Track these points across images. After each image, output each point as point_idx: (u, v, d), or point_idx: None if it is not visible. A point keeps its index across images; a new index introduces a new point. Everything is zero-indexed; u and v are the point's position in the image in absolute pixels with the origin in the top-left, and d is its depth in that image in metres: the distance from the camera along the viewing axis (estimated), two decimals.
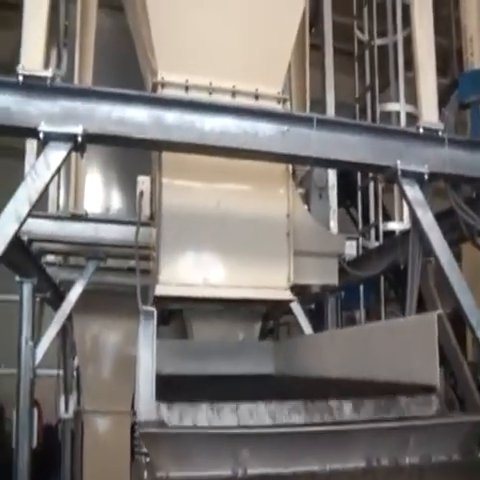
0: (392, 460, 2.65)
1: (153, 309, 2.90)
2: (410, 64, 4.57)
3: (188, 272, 4.32)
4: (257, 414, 2.61)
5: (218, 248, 4.39)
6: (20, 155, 5.79)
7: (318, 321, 6.22)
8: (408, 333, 3.18)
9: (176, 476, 2.43)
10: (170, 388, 3.17)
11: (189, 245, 4.36)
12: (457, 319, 4.02)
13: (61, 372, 7.40)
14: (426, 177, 3.81)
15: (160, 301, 4.35)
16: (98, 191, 7.03)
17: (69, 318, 6.07)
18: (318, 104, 6.96)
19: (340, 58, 7.91)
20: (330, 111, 6.90)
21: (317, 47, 7.28)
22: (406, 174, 3.78)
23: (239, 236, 4.41)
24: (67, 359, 7.32)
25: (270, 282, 4.41)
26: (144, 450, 2.47)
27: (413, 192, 3.82)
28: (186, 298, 4.39)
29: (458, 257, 4.81)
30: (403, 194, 3.89)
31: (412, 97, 4.94)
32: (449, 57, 7.50)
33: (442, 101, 4.31)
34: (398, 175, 3.75)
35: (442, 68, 4.57)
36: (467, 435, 2.80)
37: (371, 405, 2.72)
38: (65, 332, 6.91)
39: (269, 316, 6.09)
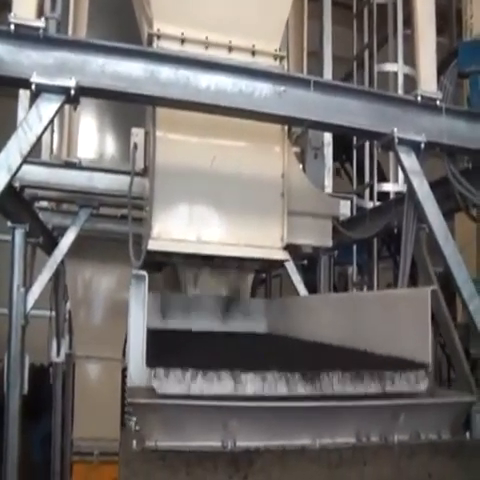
0: (382, 437, 2.68)
1: (144, 273, 2.90)
2: (409, 22, 4.49)
3: (181, 228, 4.30)
4: (247, 383, 2.60)
5: (212, 205, 4.36)
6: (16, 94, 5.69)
7: (310, 276, 6.22)
8: (401, 307, 3.18)
9: (165, 446, 2.45)
10: (162, 347, 3.18)
11: (182, 201, 4.33)
12: (448, 278, 4.03)
13: (53, 314, 7.42)
14: (422, 146, 3.77)
15: (152, 255, 4.34)
16: (92, 137, 6.95)
17: (62, 262, 6.06)
18: (315, 56, 6.87)
19: (339, 10, 7.79)
20: (327, 67, 6.79)
21: None
22: (403, 142, 3.74)
23: (233, 194, 4.39)
24: (59, 303, 7.30)
25: (264, 241, 4.40)
26: (133, 418, 2.49)
27: (409, 160, 3.80)
28: (178, 254, 4.38)
29: (451, 226, 4.78)
30: (399, 162, 3.85)
31: (410, 57, 4.86)
32: (448, 16, 7.37)
33: (440, 64, 4.23)
34: (394, 143, 3.71)
35: (440, 27, 4.47)
36: (457, 414, 2.83)
37: (362, 378, 2.72)
38: (58, 276, 6.90)
39: (261, 270, 6.10)
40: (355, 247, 7.23)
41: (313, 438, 2.55)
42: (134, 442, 2.44)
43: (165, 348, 3.23)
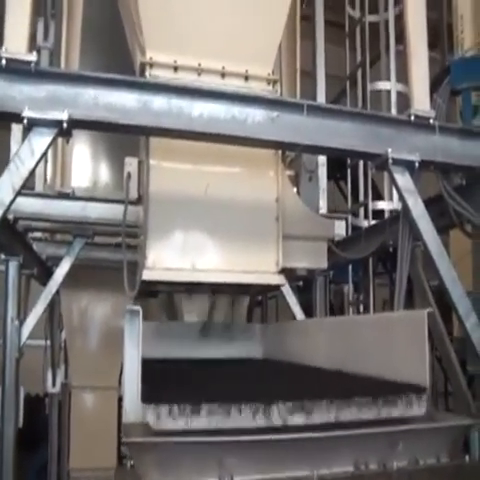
0: (380, 464, 2.65)
1: (138, 308, 2.87)
2: (401, 39, 4.52)
3: (176, 256, 4.27)
4: (242, 416, 2.58)
5: (206, 232, 4.34)
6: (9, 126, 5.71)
7: (306, 295, 6.22)
8: (398, 330, 3.17)
9: None
10: (157, 379, 3.15)
11: (177, 229, 4.31)
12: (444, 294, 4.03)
13: (48, 343, 7.38)
14: (417, 165, 3.78)
15: (147, 285, 4.32)
16: (86, 165, 6.93)
17: (56, 291, 6.04)
18: (308, 76, 6.89)
19: (331, 29, 7.84)
20: (320, 88, 6.81)
21: (307, 18, 7.19)
22: (397, 162, 3.75)
23: (228, 220, 4.37)
24: (54, 332, 7.29)
25: (259, 266, 4.37)
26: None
27: (404, 180, 3.80)
28: (173, 283, 4.36)
29: (446, 240, 4.80)
30: (393, 182, 3.86)
31: (403, 73, 4.90)
32: (439, 31, 7.43)
33: (432, 81, 4.26)
34: (389, 163, 3.72)
35: (432, 42, 4.50)
36: (455, 438, 2.81)
37: (359, 405, 2.70)
38: (53, 305, 6.88)
39: (257, 292, 6.10)
40: (351, 265, 7.22)
41: (311, 469, 2.53)
42: None
43: (161, 380, 3.21)
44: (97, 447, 6.42)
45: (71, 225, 5.45)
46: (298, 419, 2.60)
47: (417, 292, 4.59)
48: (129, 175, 4.52)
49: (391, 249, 5.16)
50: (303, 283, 6.20)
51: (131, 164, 4.50)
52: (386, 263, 7.39)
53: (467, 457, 2.79)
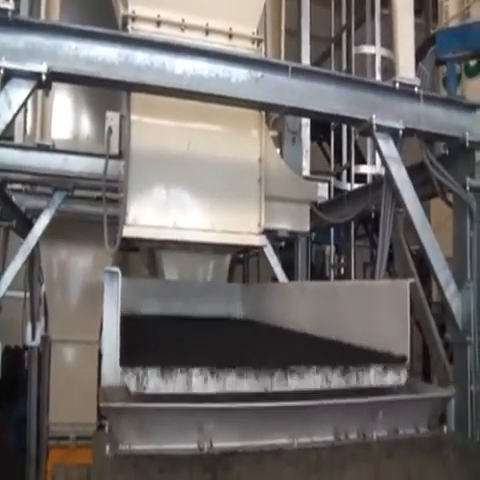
0: (360, 434, 2.64)
1: (117, 270, 2.82)
2: (387, 3, 4.46)
3: (156, 214, 4.23)
4: (221, 381, 2.56)
5: (188, 190, 4.30)
6: None
7: (288, 255, 6.20)
8: (380, 298, 3.14)
9: (139, 450, 2.39)
10: (136, 338, 3.12)
11: (158, 186, 4.26)
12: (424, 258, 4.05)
13: (28, 295, 7.34)
14: (401, 132, 3.76)
15: (127, 241, 4.28)
16: (67, 117, 6.81)
17: (36, 244, 6.00)
18: (293, 35, 6.79)
19: None
20: (305, 50, 6.71)
21: None
22: (381, 128, 3.72)
23: (210, 179, 4.32)
24: (34, 285, 7.25)
25: (241, 227, 4.34)
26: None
27: (387, 147, 3.78)
28: (154, 240, 4.32)
29: (427, 205, 4.78)
30: (377, 148, 3.84)
31: (388, 38, 4.84)
32: None
33: (418, 50, 4.21)
34: (373, 129, 3.69)
35: (417, 8, 4.43)
36: (435, 408, 2.81)
37: (340, 374, 2.68)
38: (33, 258, 6.83)
39: (239, 251, 6.07)
40: (332, 228, 7.21)
41: (291, 438, 2.51)
42: (107, 447, 2.39)
43: (139, 340, 3.17)
44: (77, 402, 6.42)
45: (51, 178, 5.37)
46: (278, 386, 2.58)
47: (398, 258, 4.59)
48: (110, 130, 4.45)
49: (373, 214, 5.15)
50: (285, 243, 6.18)
51: (112, 119, 4.43)
52: (367, 226, 7.37)
53: (445, 428, 2.79)
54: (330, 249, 7.72)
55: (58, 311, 6.92)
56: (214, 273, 5.11)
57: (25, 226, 5.85)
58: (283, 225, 4.94)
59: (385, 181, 4.06)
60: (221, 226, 4.27)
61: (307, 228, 5.02)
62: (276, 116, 5.91)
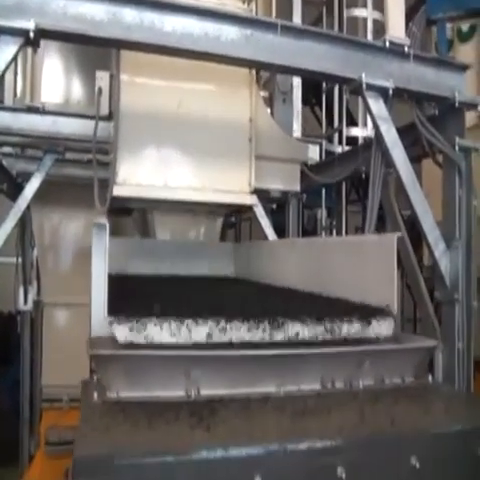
0: (347, 383, 2.69)
1: (105, 222, 2.84)
2: None
3: (147, 173, 4.25)
4: (209, 330, 2.59)
5: (178, 150, 4.31)
6: None
7: (279, 218, 6.21)
8: (368, 253, 3.18)
9: (126, 397, 2.43)
10: (125, 293, 3.15)
11: (148, 145, 4.27)
12: (415, 222, 4.07)
13: (20, 261, 7.34)
14: (390, 92, 3.76)
15: (118, 201, 4.29)
16: (58, 81, 6.76)
17: (28, 208, 5.99)
18: None
19: None
20: (296, 10, 6.66)
21: None
22: (371, 87, 3.72)
23: (200, 138, 4.34)
24: (26, 249, 7.24)
25: (231, 186, 4.37)
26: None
27: (377, 106, 3.78)
28: (144, 199, 4.34)
29: (418, 169, 4.79)
30: (367, 108, 3.83)
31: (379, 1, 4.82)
32: None
33: (408, 10, 4.19)
34: (363, 88, 3.68)
35: None
36: (421, 359, 2.85)
37: (327, 325, 2.72)
38: (24, 222, 6.83)
39: (231, 213, 6.09)
40: (324, 190, 7.21)
41: (278, 386, 2.55)
42: (95, 394, 2.43)
43: (128, 295, 3.21)
44: (69, 364, 6.43)
45: (41, 140, 5.35)
46: (265, 336, 2.62)
47: (388, 219, 4.61)
48: (100, 90, 4.45)
49: (364, 175, 5.15)
50: (276, 206, 6.20)
51: (102, 78, 4.43)
52: (359, 190, 7.39)
53: (430, 377, 2.84)
54: (321, 213, 7.73)
55: (50, 275, 6.93)
56: (206, 235, 5.14)
57: (16, 190, 5.83)
58: (274, 185, 4.96)
59: (375, 140, 4.06)
60: (211, 185, 4.29)
61: (297, 188, 5.04)
62: (267, 76, 5.90)
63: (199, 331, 2.56)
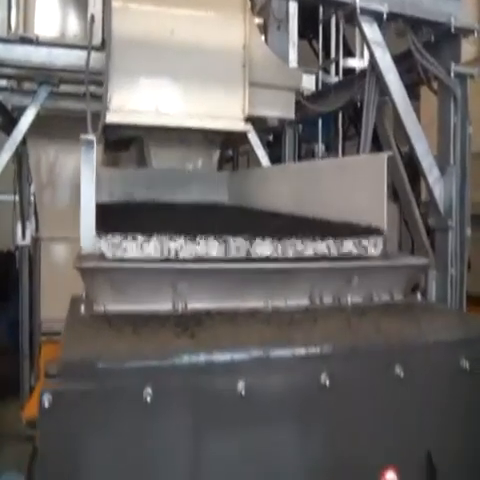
0: (335, 299, 2.71)
1: (92, 137, 2.82)
2: None
3: (140, 99, 4.21)
4: (200, 246, 2.59)
5: (171, 76, 4.26)
6: None
7: (276, 153, 6.17)
8: (358, 173, 3.15)
9: (114, 310, 2.45)
10: (117, 216, 3.15)
11: (141, 72, 4.22)
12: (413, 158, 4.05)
13: (17, 199, 7.32)
14: (385, 16, 3.70)
15: (111, 129, 4.26)
16: (53, 15, 6.64)
17: (24, 144, 5.94)
18: None
19: None
20: None
21: None
22: (365, 12, 3.66)
23: (193, 65, 4.29)
24: (23, 186, 7.22)
25: (225, 112, 4.33)
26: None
27: (371, 31, 3.73)
28: (138, 126, 4.30)
29: (416, 106, 4.73)
30: (361, 33, 3.78)
31: None
32: None
33: None
34: (357, 13, 3.62)
35: None
36: (410, 277, 2.86)
37: (317, 242, 2.72)
38: (21, 158, 6.79)
39: (227, 145, 6.05)
40: (321, 123, 7.13)
41: (265, 300, 2.56)
42: (82, 307, 2.44)
43: (120, 217, 3.21)
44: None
45: (36, 72, 5.27)
46: (256, 250, 2.62)
47: (385, 148, 4.58)
48: (93, 17, 4.38)
49: (359, 104, 5.09)
50: (273, 138, 6.15)
51: (95, 5, 4.35)
52: (357, 125, 7.31)
53: (419, 295, 2.85)
54: (319, 147, 7.65)
55: (47, 210, 6.92)
56: (202, 168, 5.12)
57: (11, 124, 5.78)
58: (268, 112, 4.91)
59: (369, 66, 4.03)
60: (205, 111, 4.25)
61: (292, 115, 4.98)
62: (262, 3, 5.79)
63: (187, 248, 2.56)
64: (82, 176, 2.79)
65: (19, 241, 7.20)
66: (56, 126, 6.24)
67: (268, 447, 2.10)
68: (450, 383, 2.38)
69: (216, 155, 5.28)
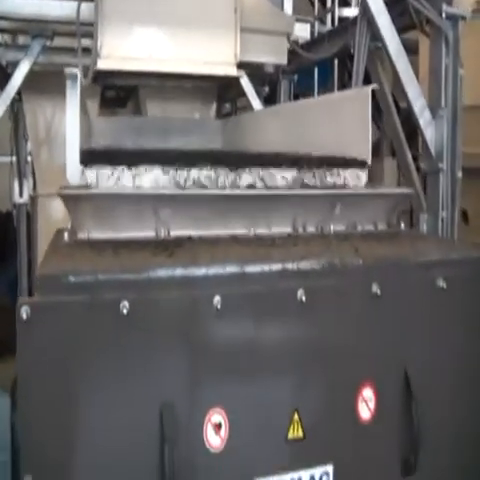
0: (318, 227, 2.70)
1: (76, 71, 2.82)
2: None
3: (131, 45, 4.15)
4: (184, 179, 2.60)
5: (163, 21, 4.20)
6: None
7: (271, 104, 6.12)
8: (344, 107, 3.14)
9: (97, 238, 2.45)
10: (108, 154, 3.15)
11: (132, 18, 4.15)
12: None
13: (14, 159, 7.32)
14: None
15: (102, 77, 4.24)
16: None
17: (20, 100, 5.93)
18: None
19: None
20: None
21: None
22: None
23: (185, 10, 4.22)
24: (20, 144, 7.22)
25: (216, 58, 4.28)
26: None
27: None
28: (130, 73, 4.27)
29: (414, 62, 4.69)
30: None
31: None
32: None
33: None
34: None
35: None
36: (393, 206, 2.86)
37: (301, 173, 2.72)
38: (17, 116, 6.78)
39: (224, 98, 6.02)
40: (317, 74, 7.07)
41: (248, 227, 2.56)
42: (66, 234, 2.45)
43: (108, 154, 3.20)
44: None
45: (29, 24, 5.24)
46: (240, 180, 2.62)
47: (380, 99, 4.58)
48: None
49: (353, 51, 5.07)
50: (269, 92, 6.11)
51: None
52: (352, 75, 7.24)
53: (402, 225, 2.85)
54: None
55: (45, 167, 6.91)
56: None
57: (5, 79, 5.76)
58: (260, 57, 4.86)
59: (360, 9, 4.02)
60: (196, 57, 4.20)
61: (284, 60, 4.92)
62: None
63: (175, 177, 2.57)
64: (67, 109, 2.79)
65: (16, 199, 7.20)
66: (52, 82, 6.17)
67: (244, 361, 2.12)
68: (427, 301, 2.40)
69: (213, 109, 5.26)
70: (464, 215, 6.20)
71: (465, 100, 4.17)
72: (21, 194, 7.18)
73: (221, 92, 5.46)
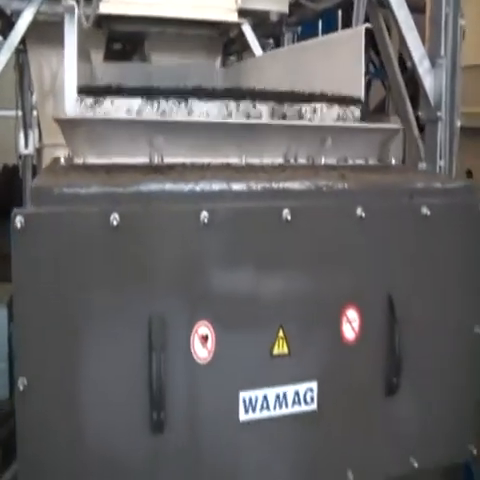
0: (309, 159, 2.75)
1: (74, 3, 2.85)
2: None
3: None
4: (179, 108, 2.65)
5: None
6: None
7: None
8: (340, 47, 3.19)
9: (93, 163, 2.50)
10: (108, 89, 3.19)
11: None
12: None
13: (20, 112, 7.34)
14: None
15: (104, 22, 4.27)
16: None
17: (25, 52, 5.95)
18: None
19: None
20: None
21: None
22: None
23: None
24: (25, 96, 7.23)
25: (217, 3, 4.31)
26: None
27: None
28: (131, 18, 4.30)
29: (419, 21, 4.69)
30: None
31: None
32: None
33: None
34: None
35: None
36: (384, 141, 2.90)
37: (293, 107, 2.77)
38: (22, 68, 6.79)
39: (229, 50, 6.03)
40: (320, 24, 7.04)
41: (239, 157, 2.61)
42: (62, 159, 2.51)
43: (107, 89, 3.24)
44: None
45: None
46: (233, 112, 2.68)
47: (384, 58, 4.59)
48: None
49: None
50: (274, 44, 6.11)
51: None
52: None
53: (393, 159, 2.89)
54: None
55: (50, 118, 6.92)
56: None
57: (10, 29, 5.77)
58: (261, 5, 4.87)
59: None
60: (197, 2, 4.23)
61: (286, 9, 4.94)
62: None
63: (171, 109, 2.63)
64: (65, 42, 2.81)
65: (22, 150, 7.24)
66: (57, 33, 6.20)
67: (229, 276, 2.20)
68: (411, 228, 2.46)
69: (218, 62, 5.28)
70: (469, 174, 6.27)
71: (466, 59, 4.18)
72: (26, 145, 7.21)
73: (227, 45, 5.50)
